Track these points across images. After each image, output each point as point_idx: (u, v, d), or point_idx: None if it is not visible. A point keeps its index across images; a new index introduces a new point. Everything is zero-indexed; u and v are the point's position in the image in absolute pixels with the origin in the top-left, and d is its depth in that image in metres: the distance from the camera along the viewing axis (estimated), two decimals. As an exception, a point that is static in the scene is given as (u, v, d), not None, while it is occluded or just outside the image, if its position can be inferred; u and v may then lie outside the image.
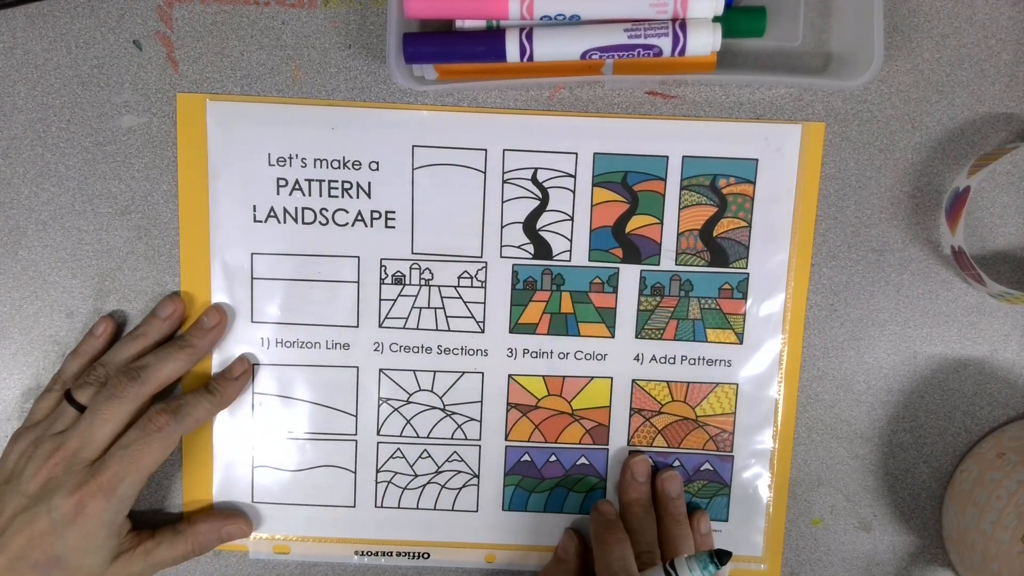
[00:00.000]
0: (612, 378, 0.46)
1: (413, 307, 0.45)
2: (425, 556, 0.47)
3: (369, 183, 0.45)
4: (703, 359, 0.46)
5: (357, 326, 0.45)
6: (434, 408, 0.46)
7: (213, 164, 0.44)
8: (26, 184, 0.45)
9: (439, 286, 0.45)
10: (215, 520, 0.45)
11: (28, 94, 0.44)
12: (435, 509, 0.47)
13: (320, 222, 0.45)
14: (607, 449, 0.46)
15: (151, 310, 0.45)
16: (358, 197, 0.45)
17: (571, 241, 0.45)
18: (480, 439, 0.46)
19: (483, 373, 0.46)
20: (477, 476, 0.47)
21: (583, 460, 0.47)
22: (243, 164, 0.44)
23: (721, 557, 0.39)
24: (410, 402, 0.46)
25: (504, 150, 0.44)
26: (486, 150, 0.44)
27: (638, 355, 0.46)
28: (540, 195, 0.45)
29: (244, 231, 0.45)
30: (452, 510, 0.47)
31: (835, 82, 0.42)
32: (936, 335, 0.46)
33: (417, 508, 0.47)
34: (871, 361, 0.46)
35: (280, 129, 0.44)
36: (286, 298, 0.45)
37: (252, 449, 0.46)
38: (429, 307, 0.45)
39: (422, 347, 0.46)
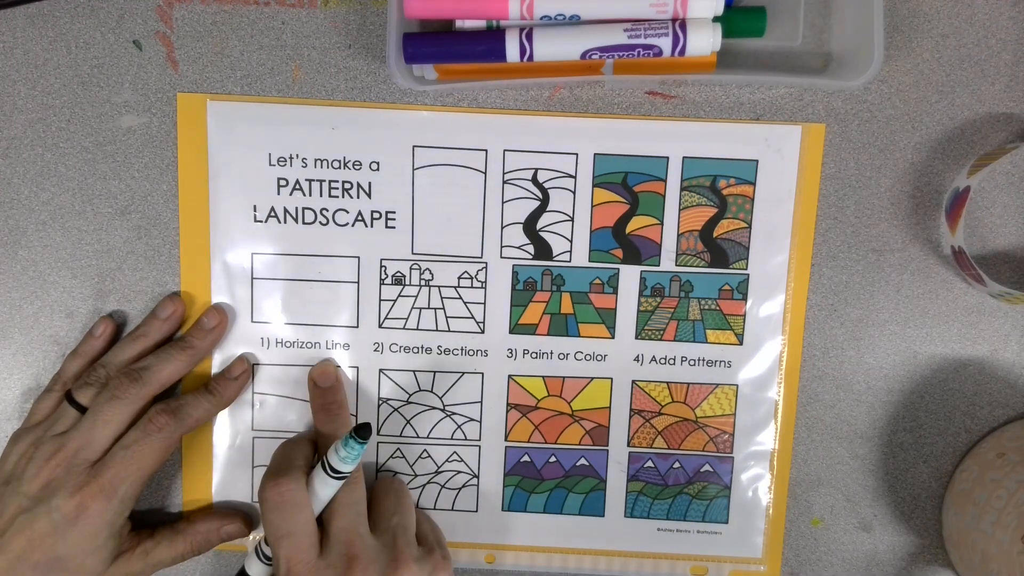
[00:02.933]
0: (612, 379, 0.46)
1: (413, 307, 0.45)
2: (425, 556, 0.47)
3: (369, 183, 0.45)
4: (703, 360, 0.46)
5: (357, 326, 0.45)
6: (434, 408, 0.46)
7: (213, 164, 0.44)
8: (26, 184, 0.45)
9: (439, 286, 0.45)
10: (214, 520, 0.45)
11: (28, 94, 0.44)
12: (435, 509, 0.47)
13: (320, 222, 0.45)
14: (607, 450, 0.46)
15: (151, 310, 0.45)
16: (358, 197, 0.45)
17: (571, 242, 0.45)
18: (480, 439, 0.46)
19: (483, 374, 0.46)
20: (477, 476, 0.47)
21: (583, 461, 0.47)
22: (243, 164, 0.44)
23: (360, 432, 0.38)
24: (410, 402, 0.46)
25: (504, 150, 0.44)
26: (486, 150, 0.44)
27: (638, 356, 0.46)
28: (540, 196, 0.45)
29: (244, 231, 0.45)
30: (452, 510, 0.47)
31: (835, 82, 0.42)
32: (936, 335, 0.46)
33: (417, 508, 0.47)
34: (871, 361, 0.46)
35: (280, 129, 0.44)
36: (286, 298, 0.45)
37: (252, 449, 0.46)
38: (429, 307, 0.45)
39: (422, 347, 0.46)
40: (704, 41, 0.40)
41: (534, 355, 0.46)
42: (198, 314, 0.45)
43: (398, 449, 0.46)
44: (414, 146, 0.44)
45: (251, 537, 0.46)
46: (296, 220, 0.45)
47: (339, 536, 0.39)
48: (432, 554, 0.41)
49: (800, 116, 0.44)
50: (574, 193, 0.45)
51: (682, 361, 0.46)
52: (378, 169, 0.44)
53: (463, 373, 0.46)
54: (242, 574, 0.42)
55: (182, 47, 0.44)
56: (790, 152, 0.44)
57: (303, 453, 0.42)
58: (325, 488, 0.40)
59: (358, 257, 0.45)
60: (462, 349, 0.46)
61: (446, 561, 0.41)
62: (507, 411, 0.46)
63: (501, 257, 0.45)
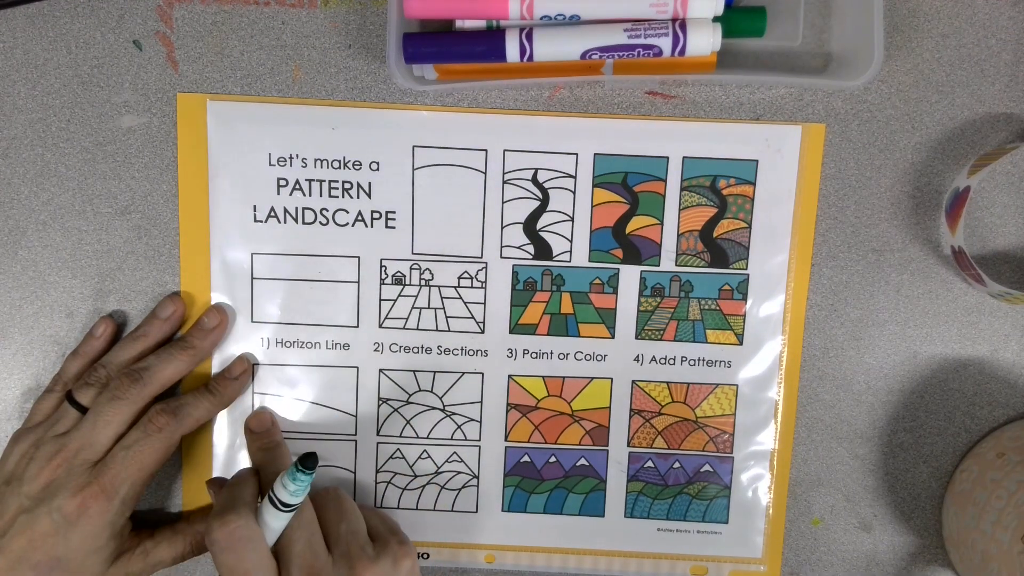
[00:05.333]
0: (612, 379, 0.46)
1: (413, 307, 0.45)
2: (425, 556, 0.47)
3: (369, 183, 0.45)
4: (703, 360, 0.46)
5: (357, 326, 0.45)
6: (434, 408, 0.46)
7: (213, 164, 0.44)
8: (26, 184, 0.45)
9: (439, 286, 0.45)
10: (215, 520, 0.45)
11: (28, 94, 0.44)
12: (435, 510, 0.47)
13: (320, 222, 0.45)
14: (607, 450, 0.47)
15: (151, 310, 0.45)
16: (358, 197, 0.45)
17: (571, 242, 0.45)
18: (480, 440, 0.46)
19: (483, 374, 0.46)
20: (477, 477, 0.47)
21: (583, 461, 0.47)
22: (243, 164, 0.44)
23: (305, 462, 0.37)
24: (410, 402, 0.46)
25: (504, 150, 0.44)
26: (486, 150, 0.44)
27: (638, 356, 0.46)
28: (540, 196, 0.45)
29: (244, 231, 0.45)
30: (452, 511, 0.47)
31: (835, 82, 0.42)
32: (936, 335, 0.46)
33: (417, 509, 0.47)
34: (871, 361, 0.46)
35: (280, 129, 0.44)
36: (286, 298, 0.45)
37: (252, 449, 0.46)
38: (429, 307, 0.45)
39: (422, 347, 0.46)
40: (704, 41, 0.40)
41: (534, 355, 0.46)
42: (198, 314, 0.45)
43: (398, 449, 0.46)
44: (414, 146, 0.44)
45: None
46: (296, 220, 0.45)
47: (296, 562, 0.38)
48: (388, 546, 0.40)
49: (800, 116, 0.44)
50: (574, 193, 0.45)
51: (682, 361, 0.46)
52: (378, 169, 0.44)
53: (463, 373, 0.46)
54: None
55: (182, 47, 0.44)
56: (790, 152, 0.44)
57: (249, 489, 0.41)
58: (276, 521, 0.39)
59: (358, 257, 0.45)
60: (462, 349, 0.46)
61: (404, 546, 0.41)
62: (507, 411, 0.46)
63: (501, 257, 0.45)
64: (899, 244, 0.45)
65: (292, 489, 0.38)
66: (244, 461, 0.46)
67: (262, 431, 0.45)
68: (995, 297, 0.44)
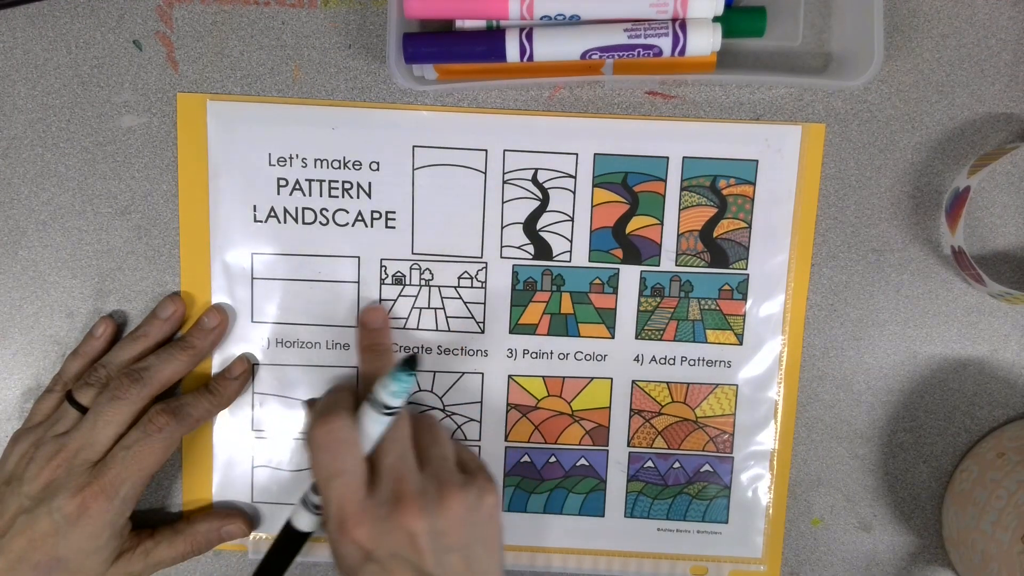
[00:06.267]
0: (612, 379, 0.46)
1: (413, 307, 0.45)
2: (425, 556, 0.47)
3: (369, 183, 0.45)
4: (703, 360, 0.46)
5: (357, 326, 0.45)
6: (434, 408, 0.46)
7: (213, 164, 0.44)
8: (26, 184, 0.45)
9: (439, 286, 0.45)
10: (214, 519, 0.45)
11: (28, 94, 0.44)
12: (435, 509, 0.47)
13: (320, 222, 0.45)
14: (607, 450, 0.47)
15: (151, 310, 0.45)
16: (358, 197, 0.45)
17: (571, 242, 0.45)
18: (480, 440, 0.46)
19: (483, 374, 0.46)
20: (477, 476, 0.47)
21: (583, 461, 0.47)
22: (243, 164, 0.44)
23: (409, 364, 0.38)
24: (410, 402, 0.46)
25: (504, 150, 0.44)
26: (486, 150, 0.44)
27: (638, 356, 0.46)
28: (540, 196, 0.45)
29: (244, 231, 0.45)
30: (452, 510, 0.47)
31: (835, 82, 0.42)
32: (936, 335, 0.46)
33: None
34: (871, 361, 0.46)
35: (280, 129, 0.44)
36: (286, 298, 0.45)
37: (252, 449, 0.46)
38: (429, 307, 0.45)
39: (422, 347, 0.46)
40: (704, 41, 0.40)
41: (534, 355, 0.46)
42: (198, 314, 0.45)
43: (398, 449, 0.46)
44: (414, 146, 0.44)
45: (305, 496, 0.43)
46: (296, 220, 0.45)
47: (388, 472, 0.38)
48: (476, 478, 0.40)
49: (800, 116, 0.44)
50: (574, 193, 0.45)
51: (682, 361, 0.46)
52: (378, 169, 0.44)
53: (463, 373, 0.46)
54: (287, 529, 0.41)
55: (182, 47, 0.44)
56: (790, 152, 0.44)
57: (349, 398, 0.41)
58: (374, 426, 0.39)
59: (358, 257, 0.45)
60: (462, 349, 0.46)
61: (491, 483, 0.40)
62: (507, 411, 0.46)
63: (501, 257, 0.45)
64: (899, 244, 0.45)
65: (394, 389, 0.38)
66: (244, 462, 0.46)
67: (375, 328, 0.44)
68: (995, 297, 0.44)
